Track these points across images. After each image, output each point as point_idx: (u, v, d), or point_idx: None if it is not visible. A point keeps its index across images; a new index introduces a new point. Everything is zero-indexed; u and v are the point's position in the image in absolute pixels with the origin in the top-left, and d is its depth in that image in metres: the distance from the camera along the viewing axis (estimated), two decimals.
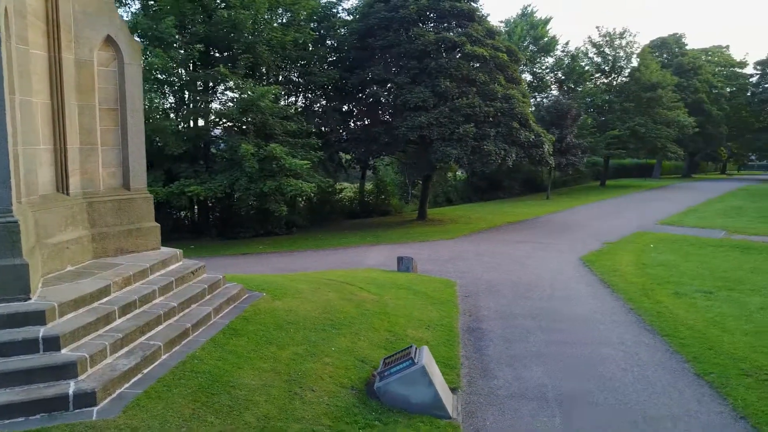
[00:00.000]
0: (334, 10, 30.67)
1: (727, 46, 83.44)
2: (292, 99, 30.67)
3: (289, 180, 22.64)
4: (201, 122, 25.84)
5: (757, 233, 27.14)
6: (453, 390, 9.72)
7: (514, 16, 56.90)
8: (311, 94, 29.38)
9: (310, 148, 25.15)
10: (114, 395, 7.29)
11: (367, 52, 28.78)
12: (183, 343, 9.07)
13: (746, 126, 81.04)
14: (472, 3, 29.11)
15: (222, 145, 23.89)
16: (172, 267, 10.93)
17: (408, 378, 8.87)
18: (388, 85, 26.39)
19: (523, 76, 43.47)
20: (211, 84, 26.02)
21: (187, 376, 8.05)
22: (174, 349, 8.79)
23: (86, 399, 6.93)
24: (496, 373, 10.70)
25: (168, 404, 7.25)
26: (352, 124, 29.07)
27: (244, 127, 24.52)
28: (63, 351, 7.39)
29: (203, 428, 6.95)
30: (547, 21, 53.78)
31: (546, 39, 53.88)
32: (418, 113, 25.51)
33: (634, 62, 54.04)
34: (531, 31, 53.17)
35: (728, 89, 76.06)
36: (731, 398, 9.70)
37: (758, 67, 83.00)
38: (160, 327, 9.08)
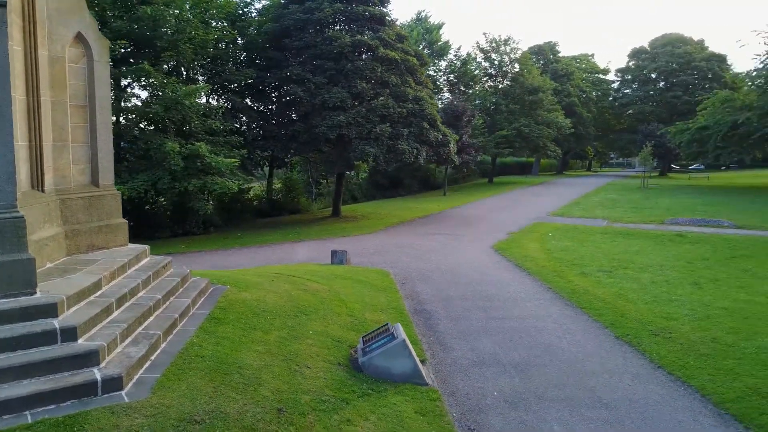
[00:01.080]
0: (246, 10, 30.72)
1: (593, 55, 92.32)
2: (213, 97, 30.30)
3: (214, 178, 22.62)
4: (122, 120, 24.88)
5: (632, 221, 30.84)
6: (421, 362, 10.82)
7: (409, 21, 59.60)
8: (230, 92, 29.20)
9: (233, 146, 25.18)
10: (134, 380, 7.64)
11: (284, 53, 29.17)
12: (175, 332, 9.42)
13: (609, 127, 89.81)
14: (382, 8, 30.45)
15: (141, 143, 23.24)
16: (144, 262, 11.11)
17: (390, 351, 9.86)
18: (307, 84, 26.95)
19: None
20: (130, 81, 25.13)
21: (195, 360, 8.49)
22: (169, 338, 9.15)
23: (114, 384, 7.25)
24: (453, 346, 11.96)
25: (190, 385, 7.71)
26: (270, 123, 29.22)
27: (163, 125, 23.99)
28: (80, 341, 7.61)
29: (229, 403, 7.50)
30: (439, 26, 56.68)
31: (440, 43, 56.74)
32: (337, 113, 26.39)
33: (518, 67, 58.39)
34: (426, 35, 55.81)
35: (595, 93, 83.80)
36: (647, 353, 11.66)
37: (619, 74, 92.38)
38: (152, 318, 9.38)
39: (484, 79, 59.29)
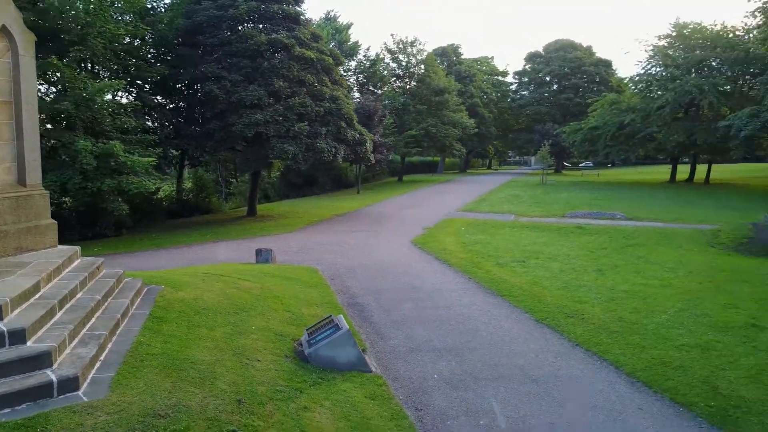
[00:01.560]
0: (156, 5, 29.65)
1: (492, 57, 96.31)
2: (124, 94, 28.95)
3: (130, 178, 21.75)
4: None
5: (537, 215, 32.87)
6: (362, 351, 11.27)
7: (318, 20, 59.50)
8: (142, 90, 28.00)
9: (147, 145, 24.28)
10: (88, 380, 7.55)
11: (197, 49, 28.48)
12: (119, 332, 9.31)
13: (509, 127, 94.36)
14: (296, 7, 30.48)
15: (45, 142, 21.80)
16: (76, 263, 10.79)
17: (335, 341, 10.24)
18: (222, 82, 26.46)
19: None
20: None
21: (147, 358, 8.46)
22: (115, 338, 9.03)
23: (70, 384, 7.16)
24: (389, 335, 12.52)
25: (147, 382, 7.72)
26: (184, 121, 28.36)
27: (71, 122, 22.63)
28: (29, 343, 7.43)
29: (189, 397, 7.60)
30: (348, 26, 57.24)
31: (350, 44, 57.26)
32: (254, 111, 26.18)
33: (424, 68, 60.12)
34: (336, 35, 56.10)
35: (495, 95, 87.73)
36: (566, 333, 12.78)
37: (516, 77, 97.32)
38: (95, 319, 9.21)
39: (392, 79, 60.61)
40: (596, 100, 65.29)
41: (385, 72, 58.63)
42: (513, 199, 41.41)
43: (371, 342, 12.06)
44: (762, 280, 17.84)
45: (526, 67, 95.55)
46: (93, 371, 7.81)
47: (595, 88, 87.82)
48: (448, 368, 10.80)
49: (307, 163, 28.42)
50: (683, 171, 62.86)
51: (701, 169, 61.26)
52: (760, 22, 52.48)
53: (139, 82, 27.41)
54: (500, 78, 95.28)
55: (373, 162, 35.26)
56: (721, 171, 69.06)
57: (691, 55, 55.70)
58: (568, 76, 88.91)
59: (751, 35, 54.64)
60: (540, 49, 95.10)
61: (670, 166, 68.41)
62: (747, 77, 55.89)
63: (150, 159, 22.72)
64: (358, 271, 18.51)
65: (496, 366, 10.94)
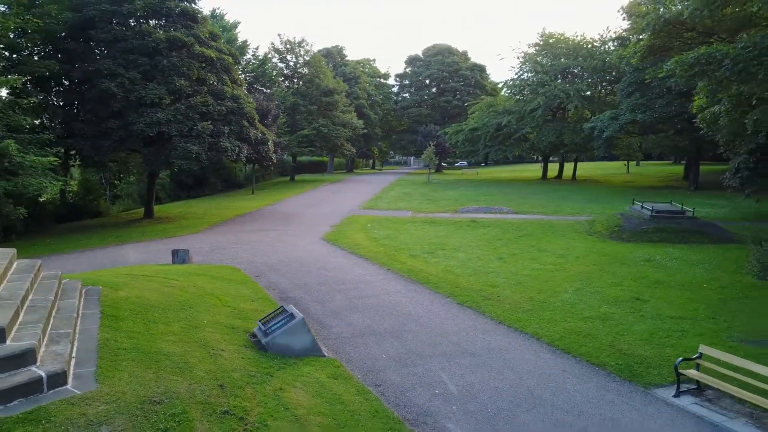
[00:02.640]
0: None
1: (374, 59, 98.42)
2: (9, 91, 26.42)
3: (28, 179, 20.26)
4: None
5: (431, 211, 34.72)
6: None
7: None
8: (30, 86, 25.80)
9: (42, 144, 22.62)
10: (71, 375, 7.62)
11: (89, 45, 26.93)
12: (79, 330, 9.27)
13: (392, 128, 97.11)
14: (193, 5, 29.79)
15: None
16: (15, 265, 10.46)
17: (291, 329, 10.81)
18: (120, 80, 25.24)
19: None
20: None
21: (120, 353, 8.59)
22: (78, 336, 9.01)
23: (59, 380, 7.24)
24: (329, 324, 13.23)
25: (130, 374, 7.92)
26: (77, 120, 26.54)
27: None
28: (8, 342, 7.38)
29: (175, 384, 7.91)
30: (235, 25, 56.23)
31: (238, 43, 56.29)
32: (155, 110, 25.36)
33: (312, 69, 60.57)
34: (224, 33, 54.76)
35: (380, 97, 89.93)
36: (487, 313, 14.21)
37: (398, 79, 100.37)
38: (54, 319, 9.11)
39: (281, 79, 60.46)
40: (475, 103, 69.29)
41: (274, 72, 58.40)
42: (406, 197, 43.16)
43: (315, 330, 12.67)
44: (635, 262, 20.58)
45: (407, 70, 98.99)
46: (72, 366, 7.86)
47: (471, 91, 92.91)
48: (393, 349, 11.74)
49: (211, 163, 28.00)
50: (552, 169, 68.47)
51: (568, 167, 67.14)
52: (614, 35, 58.91)
53: (28, 78, 25.38)
54: (382, 80, 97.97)
55: (275, 161, 35.32)
56: (584, 168, 75.94)
57: (557, 62, 61.04)
58: (446, 79, 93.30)
59: (606, 46, 61.02)
60: (420, 53, 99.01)
61: (539, 165, 74.18)
62: (604, 84, 62.16)
63: (51, 158, 21.35)
64: (279, 268, 18.90)
65: (435, 344, 12.05)
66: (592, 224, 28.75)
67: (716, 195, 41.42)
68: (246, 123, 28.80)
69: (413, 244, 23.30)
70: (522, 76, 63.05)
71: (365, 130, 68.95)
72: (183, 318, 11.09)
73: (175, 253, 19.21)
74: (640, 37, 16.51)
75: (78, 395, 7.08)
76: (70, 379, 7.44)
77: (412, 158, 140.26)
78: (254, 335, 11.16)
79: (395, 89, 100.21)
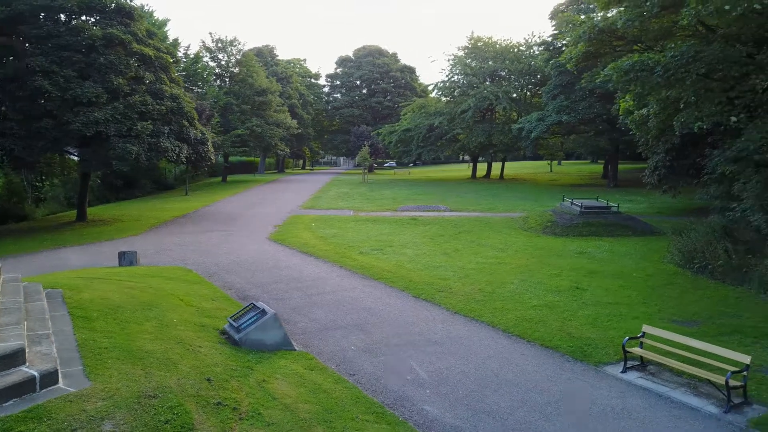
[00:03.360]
0: None
1: (305, 60, 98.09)
2: None
3: None
4: None
5: (372, 210, 35.31)
6: None
7: None
8: None
9: None
10: (61, 374, 7.65)
11: (18, 40, 25.55)
12: (54, 331, 9.20)
13: (324, 128, 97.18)
14: (129, 1, 28.86)
15: None
16: None
17: (264, 325, 11.07)
18: (54, 77, 24.08)
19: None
20: None
21: (102, 352, 8.63)
22: (55, 337, 8.96)
23: (51, 378, 7.30)
24: (293, 320, 13.52)
25: (119, 371, 8.02)
26: (5, 119, 24.98)
27: None
28: None
29: (165, 379, 8.07)
30: (165, 22, 54.62)
31: (169, 42, 54.60)
32: (92, 109, 24.47)
33: (245, 68, 59.81)
34: (156, 30, 52.87)
35: (312, 97, 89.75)
36: (443, 304, 14.93)
37: (329, 80, 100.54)
38: (27, 320, 9.02)
39: (213, 78, 59.32)
40: (407, 104, 70.57)
41: (207, 71, 57.22)
42: (344, 197, 43.55)
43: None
44: (570, 254, 21.97)
45: (338, 70, 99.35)
46: (58, 365, 7.87)
47: (401, 93, 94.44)
48: (360, 340, 12.21)
49: (150, 163, 27.29)
50: (481, 168, 70.72)
51: (496, 166, 69.60)
52: (538, 40, 61.73)
53: None
54: (313, 80, 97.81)
55: (214, 161, 34.78)
56: (511, 167, 78.81)
57: (486, 65, 63.26)
58: (377, 80, 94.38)
59: (531, 51, 63.79)
60: (350, 54, 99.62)
61: (468, 165, 76.38)
62: (530, 86, 64.90)
63: None
64: (232, 268, 18.90)
65: (400, 335, 12.61)
66: (526, 220, 30.23)
67: (634, 191, 44.28)
68: (186, 123, 28.31)
69: (361, 242, 23.79)
70: (452, 79, 64.81)
71: (299, 130, 68.67)
72: (152, 317, 11.11)
73: (122, 255, 18.83)
74: (578, 44, 17.71)
75: (73, 393, 7.15)
76: (60, 378, 7.48)
77: (341, 158, 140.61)
78: (225, 332, 11.34)
79: (326, 89, 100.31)
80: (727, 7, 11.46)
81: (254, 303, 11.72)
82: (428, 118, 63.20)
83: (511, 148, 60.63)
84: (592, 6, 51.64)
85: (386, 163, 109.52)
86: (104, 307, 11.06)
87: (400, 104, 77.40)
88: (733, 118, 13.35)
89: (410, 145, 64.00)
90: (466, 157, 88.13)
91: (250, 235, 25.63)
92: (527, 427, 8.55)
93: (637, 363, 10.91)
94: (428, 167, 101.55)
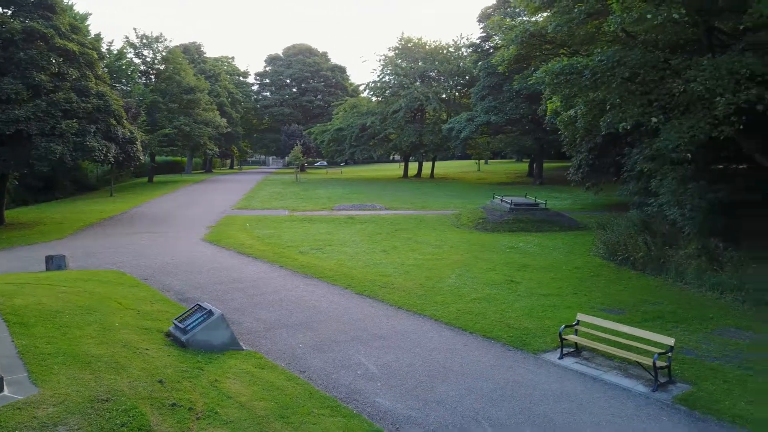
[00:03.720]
0: None
1: (233, 57, 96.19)
2: None
3: None
4: None
5: (307, 210, 35.21)
6: None
7: None
8: None
9: None
10: (4, 381, 7.38)
11: None
12: None
13: (253, 127, 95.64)
14: None
15: None
16: None
17: (211, 325, 11.00)
18: None
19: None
20: None
21: (46, 357, 8.38)
22: None
23: None
24: (238, 320, 13.43)
25: (68, 376, 7.81)
26: None
27: None
28: None
29: (116, 383, 7.94)
30: (85, 16, 52.05)
31: (92, 36, 52.00)
32: (11, 106, 23.06)
33: (171, 65, 57.97)
34: (79, 25, 50.12)
35: (241, 95, 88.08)
36: (386, 300, 15.23)
37: (258, 78, 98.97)
38: None
39: (138, 75, 57.11)
40: (339, 104, 70.59)
41: (132, 68, 55.03)
42: (278, 197, 43.12)
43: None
44: (502, 249, 22.82)
45: (267, 69, 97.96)
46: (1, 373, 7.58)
47: (332, 92, 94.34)
48: (307, 338, 12.31)
49: (76, 163, 26.01)
50: (412, 167, 71.69)
51: (426, 166, 70.83)
52: (467, 42, 63.38)
53: None
54: (242, 78, 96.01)
55: (143, 161, 33.56)
56: (440, 167, 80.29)
57: (416, 66, 64.25)
58: (307, 79, 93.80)
59: (459, 52, 65.36)
60: (280, 53, 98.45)
61: (397, 164, 77.23)
62: (459, 87, 66.46)
63: None
64: (168, 270, 18.47)
65: (346, 331, 12.80)
66: (458, 217, 31.08)
67: (559, 189, 46.31)
68: (113, 121, 27.20)
69: (300, 242, 23.76)
70: (384, 79, 65.39)
71: (228, 129, 67.32)
72: (93, 322, 10.80)
73: (49, 259, 18.01)
74: (510, 47, 18.48)
75: (22, 400, 6.94)
76: (5, 386, 7.21)
77: (270, 158, 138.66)
78: (170, 334, 11.17)
79: (255, 88, 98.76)
80: (649, 16, 12.37)
81: (200, 304, 11.60)
82: (360, 117, 63.49)
83: (441, 148, 61.88)
84: (518, 10, 53.78)
85: (317, 162, 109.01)
86: (41, 312, 10.66)
87: (333, 104, 77.33)
88: (654, 119, 14.38)
89: (343, 145, 64.09)
90: (397, 157, 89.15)
91: (183, 237, 25.04)
92: (476, 413, 8.96)
93: (572, 349, 11.58)
94: (359, 166, 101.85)
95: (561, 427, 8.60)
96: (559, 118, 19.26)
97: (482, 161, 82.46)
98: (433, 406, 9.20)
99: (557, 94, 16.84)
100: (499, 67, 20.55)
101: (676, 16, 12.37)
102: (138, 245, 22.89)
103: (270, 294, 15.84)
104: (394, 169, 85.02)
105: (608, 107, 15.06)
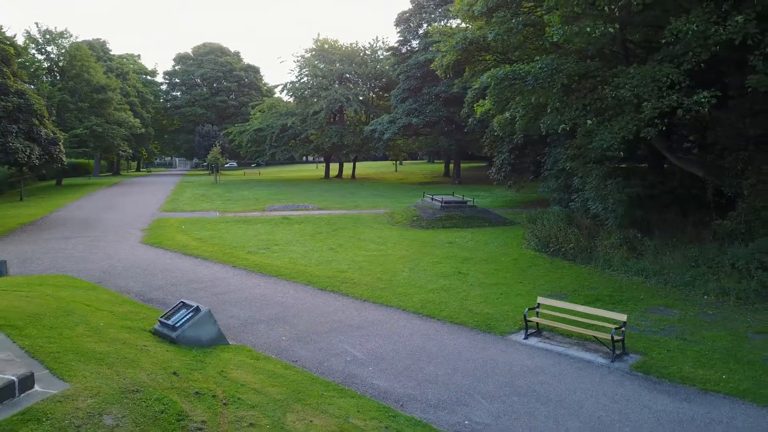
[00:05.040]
0: None
1: (139, 55, 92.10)
2: None
3: None
4: None
5: (239, 211, 34.96)
6: None
7: None
8: None
9: None
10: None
11: None
12: None
13: (164, 128, 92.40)
14: None
15: None
16: None
17: (199, 321, 11.21)
18: None
19: None
20: None
21: (58, 355, 8.39)
22: None
23: (28, 383, 7.14)
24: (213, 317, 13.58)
25: (88, 371, 7.92)
26: None
27: None
28: None
29: (136, 375, 8.12)
30: None
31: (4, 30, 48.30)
32: None
33: (79, 62, 55.04)
34: None
35: (151, 95, 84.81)
36: (350, 294, 15.85)
37: (167, 77, 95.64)
38: None
39: (43, 72, 53.66)
40: (257, 104, 69.87)
41: (35, 65, 51.60)
42: (203, 199, 42.26)
43: None
44: (441, 244, 24.02)
45: (176, 68, 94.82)
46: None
47: (246, 92, 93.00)
48: (287, 332, 12.76)
49: (1, 166, 24.43)
50: (333, 168, 72.19)
51: (347, 166, 71.59)
52: (383, 45, 64.86)
53: None
54: (150, 77, 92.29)
55: (65, 162, 31.93)
56: (359, 167, 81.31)
57: (333, 68, 64.86)
58: (220, 79, 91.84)
59: (375, 55, 66.70)
60: (190, 52, 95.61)
61: (314, 165, 77.38)
62: (377, 89, 67.77)
63: None
64: (118, 273, 18.09)
65: (322, 323, 13.35)
66: (392, 216, 32.11)
67: (478, 187, 48.54)
68: (36, 121, 25.87)
69: (244, 242, 23.80)
70: (302, 80, 65.45)
71: (142, 129, 64.81)
72: (78, 323, 10.71)
73: None
74: (450, 53, 19.65)
75: (57, 394, 7.04)
76: (35, 381, 7.26)
77: (177, 159, 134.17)
78: (156, 332, 11.25)
79: (164, 87, 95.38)
80: (588, 29, 13.85)
81: (183, 301, 11.73)
82: (280, 118, 63.29)
83: (362, 149, 62.88)
84: (433, 16, 55.83)
85: (227, 163, 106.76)
86: (22, 315, 10.43)
87: (250, 104, 76.28)
88: (589, 121, 15.99)
89: (263, 145, 63.58)
90: (312, 158, 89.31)
91: (120, 240, 24.32)
92: (468, 389, 9.86)
93: (534, 330, 12.78)
94: (274, 167, 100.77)
95: (543, 395, 9.66)
96: (496, 120, 20.65)
97: (398, 162, 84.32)
98: (426, 384, 10.01)
99: (502, 97, 18.14)
100: (437, 71, 21.70)
101: (611, 30, 13.93)
102: (75, 250, 22.06)
103: (233, 293, 16.03)
104: (312, 169, 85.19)
105: (549, 110, 16.52)
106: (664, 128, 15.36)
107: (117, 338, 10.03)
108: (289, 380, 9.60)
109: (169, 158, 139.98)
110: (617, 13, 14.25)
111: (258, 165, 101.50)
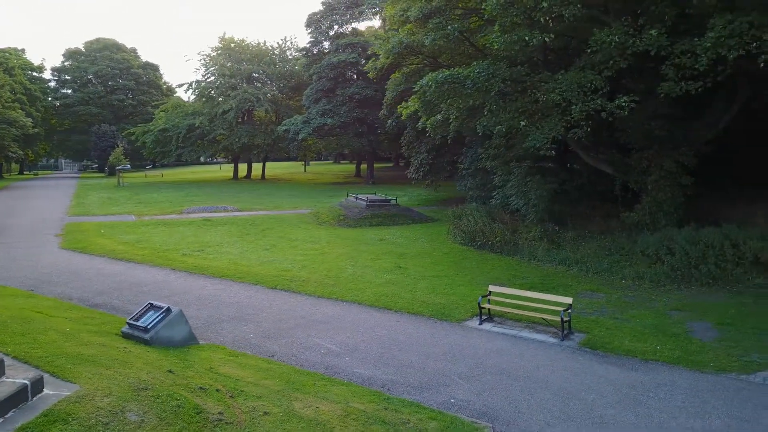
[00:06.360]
0: None
1: (23, 50, 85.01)
2: None
3: None
4: None
5: (155, 214, 33.85)
6: None
7: None
8: None
9: None
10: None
11: None
12: None
13: (53, 127, 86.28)
14: None
15: None
16: None
17: (171, 322, 11.20)
18: None
19: None
20: None
21: (52, 359, 8.23)
22: None
23: (39, 386, 7.05)
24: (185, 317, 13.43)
25: (90, 372, 7.86)
26: None
27: None
28: None
29: (136, 374, 8.14)
30: None
31: None
32: None
33: None
34: None
35: (40, 93, 78.88)
36: (303, 291, 16.15)
37: (56, 74, 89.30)
38: None
39: None
40: (161, 103, 67.17)
41: None
42: (111, 202, 40.28)
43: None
44: (373, 241, 24.73)
45: (66, 64, 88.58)
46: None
47: (146, 91, 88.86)
48: (254, 329, 12.93)
49: None
50: (241, 169, 70.82)
51: (256, 167, 70.44)
52: (291, 45, 64.80)
53: None
54: (36, 74, 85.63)
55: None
56: (267, 168, 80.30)
57: (242, 67, 63.76)
58: (116, 77, 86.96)
59: (284, 55, 66.35)
60: (81, 47, 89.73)
61: (218, 165, 75.44)
62: (287, 90, 67.30)
63: None
64: (51, 280, 17.19)
65: (285, 320, 13.62)
66: (318, 215, 32.41)
67: (392, 187, 49.65)
68: None
69: (175, 245, 23.24)
70: (209, 79, 63.80)
71: (36, 129, 60.30)
72: (47, 329, 10.37)
73: None
74: (385, 57, 20.36)
75: (72, 395, 7.01)
76: (44, 384, 7.15)
77: (63, 161, 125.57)
78: (126, 334, 11.07)
79: (53, 84, 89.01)
80: (527, 38, 15.09)
81: (152, 303, 11.61)
82: (186, 118, 61.38)
83: (273, 149, 62.28)
84: (344, 18, 56.46)
85: (119, 165, 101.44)
86: None
87: (151, 103, 73.09)
88: (522, 123, 17.30)
89: (169, 146, 61.32)
90: (217, 159, 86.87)
91: (38, 246, 22.92)
92: (443, 371, 10.60)
93: (486, 316, 13.77)
94: (175, 169, 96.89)
95: (512, 373, 10.60)
96: (429, 122, 21.66)
97: (306, 163, 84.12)
98: (405, 370, 10.65)
99: (432, 100, 19.12)
100: (369, 74, 22.38)
101: (547, 39, 15.26)
102: None
103: (182, 294, 15.83)
104: (215, 170, 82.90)
105: (486, 113, 17.69)
106: (589, 129, 16.94)
107: (93, 342, 9.85)
108: (278, 373, 9.89)
109: (54, 160, 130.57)
110: (551, 24, 15.61)
111: (154, 166, 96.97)
